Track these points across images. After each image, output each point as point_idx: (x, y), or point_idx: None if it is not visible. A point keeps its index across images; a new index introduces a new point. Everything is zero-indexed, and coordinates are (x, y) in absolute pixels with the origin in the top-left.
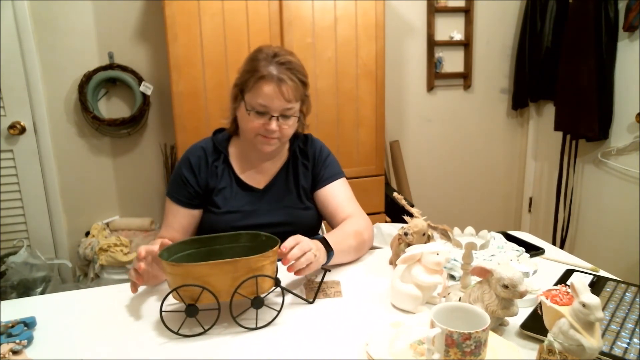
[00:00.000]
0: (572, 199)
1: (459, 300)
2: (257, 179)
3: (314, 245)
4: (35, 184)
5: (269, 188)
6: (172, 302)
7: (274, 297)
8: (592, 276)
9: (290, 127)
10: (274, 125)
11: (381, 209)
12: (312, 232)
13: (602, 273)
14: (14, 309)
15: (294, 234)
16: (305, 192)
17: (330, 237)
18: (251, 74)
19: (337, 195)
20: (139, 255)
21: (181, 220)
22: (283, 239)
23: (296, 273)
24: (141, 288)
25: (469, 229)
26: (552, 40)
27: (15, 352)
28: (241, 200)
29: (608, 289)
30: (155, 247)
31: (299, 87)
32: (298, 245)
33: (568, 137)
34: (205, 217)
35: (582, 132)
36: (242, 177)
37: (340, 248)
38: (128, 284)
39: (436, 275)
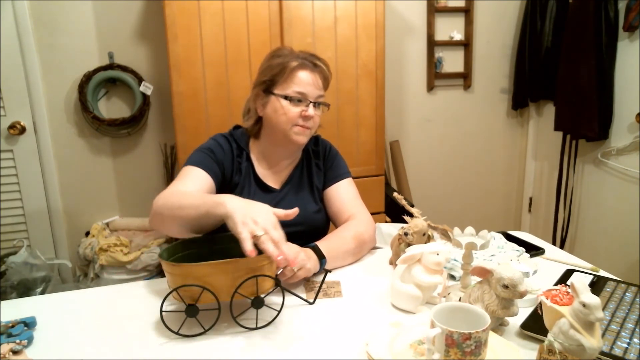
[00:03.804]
0: (572, 199)
1: (459, 300)
2: (274, 179)
3: (305, 254)
4: (35, 184)
5: (285, 188)
6: (172, 302)
7: (274, 297)
8: (592, 276)
9: (320, 116)
10: (311, 110)
11: (381, 209)
12: (321, 233)
13: (602, 273)
14: (14, 309)
15: (305, 234)
16: (318, 192)
17: (325, 243)
18: (281, 67)
19: (342, 195)
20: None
21: (202, 184)
22: (293, 239)
23: (287, 280)
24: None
25: (469, 229)
26: (552, 40)
27: (15, 352)
28: (259, 200)
29: (608, 289)
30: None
31: (328, 76)
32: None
33: (568, 137)
34: None
35: (582, 132)
36: (261, 177)
37: (335, 254)
38: (128, 284)
39: (436, 275)
